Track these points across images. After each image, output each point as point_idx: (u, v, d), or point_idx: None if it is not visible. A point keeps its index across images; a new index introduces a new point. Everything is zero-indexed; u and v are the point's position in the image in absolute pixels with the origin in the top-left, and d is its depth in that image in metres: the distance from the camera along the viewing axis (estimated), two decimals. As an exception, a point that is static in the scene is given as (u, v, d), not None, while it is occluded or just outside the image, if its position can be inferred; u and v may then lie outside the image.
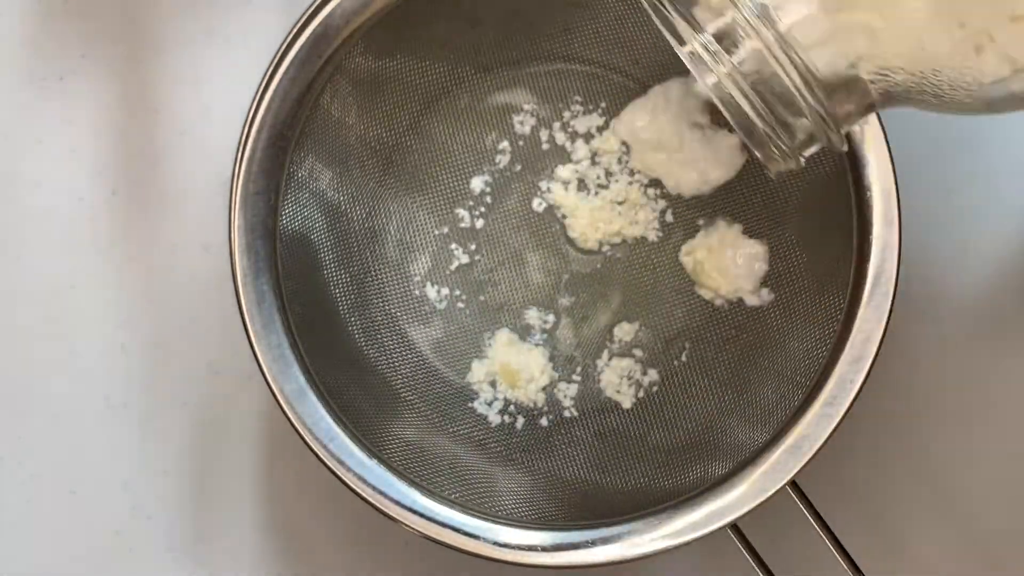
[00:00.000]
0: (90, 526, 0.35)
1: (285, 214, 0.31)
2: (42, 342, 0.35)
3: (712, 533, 0.29)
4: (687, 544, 0.29)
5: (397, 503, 0.29)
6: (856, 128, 0.28)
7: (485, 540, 0.29)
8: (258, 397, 0.35)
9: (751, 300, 0.32)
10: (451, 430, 0.33)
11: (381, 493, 0.29)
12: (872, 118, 0.29)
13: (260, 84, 0.29)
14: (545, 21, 0.33)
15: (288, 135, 0.30)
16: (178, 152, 0.35)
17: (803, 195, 0.32)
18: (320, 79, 0.30)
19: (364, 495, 0.29)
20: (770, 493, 0.29)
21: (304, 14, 0.30)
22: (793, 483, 0.29)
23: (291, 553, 0.35)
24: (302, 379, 0.29)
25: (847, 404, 0.29)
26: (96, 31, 0.35)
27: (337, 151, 0.32)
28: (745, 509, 0.29)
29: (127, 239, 0.35)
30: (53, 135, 0.35)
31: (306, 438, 0.29)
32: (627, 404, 0.33)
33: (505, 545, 0.29)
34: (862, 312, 0.28)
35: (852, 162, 0.30)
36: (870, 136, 0.29)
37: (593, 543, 0.29)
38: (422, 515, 0.29)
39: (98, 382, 0.35)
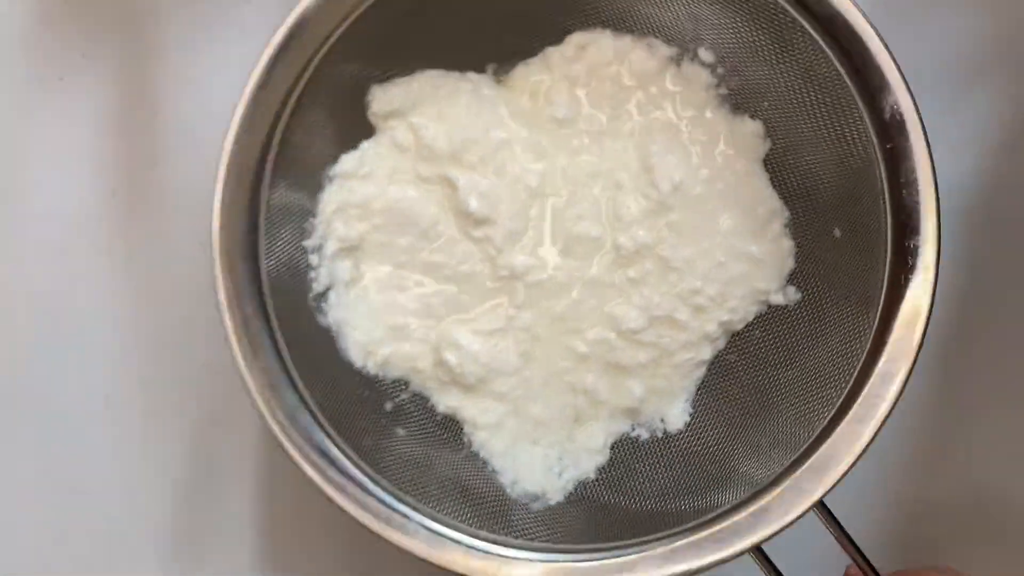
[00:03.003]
0: (90, 526, 0.35)
1: (268, 234, 0.29)
2: (42, 342, 0.35)
3: (735, 555, 0.27)
4: (707, 568, 0.27)
5: (402, 530, 0.27)
6: (896, 115, 0.26)
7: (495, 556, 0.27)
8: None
9: (776, 298, 0.30)
10: (455, 445, 0.32)
11: (385, 521, 0.27)
12: (911, 111, 0.26)
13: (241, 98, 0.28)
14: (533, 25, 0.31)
15: (266, 156, 0.28)
16: (177, 152, 0.35)
17: (836, 191, 0.29)
18: (297, 89, 0.29)
19: (366, 524, 0.27)
20: (795, 515, 0.27)
21: (286, 21, 0.28)
22: (820, 502, 0.27)
23: (288, 553, 0.34)
24: (295, 400, 0.28)
25: (877, 422, 0.27)
26: (96, 31, 0.34)
27: (315, 172, 0.31)
28: (770, 531, 0.27)
29: (126, 239, 0.34)
30: (53, 135, 0.35)
31: (302, 466, 0.28)
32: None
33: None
34: (898, 327, 0.26)
35: (888, 154, 0.27)
36: (910, 127, 0.27)
37: (612, 567, 0.27)
38: (429, 533, 0.27)
39: (98, 382, 0.35)
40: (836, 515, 0.27)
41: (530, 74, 0.31)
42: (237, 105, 0.28)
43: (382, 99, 0.31)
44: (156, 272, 0.35)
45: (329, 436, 0.28)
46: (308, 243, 0.30)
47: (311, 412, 0.28)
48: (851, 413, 0.27)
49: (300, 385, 0.28)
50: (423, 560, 0.27)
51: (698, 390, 0.31)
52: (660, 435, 0.31)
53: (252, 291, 0.28)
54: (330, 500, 0.27)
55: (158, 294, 0.35)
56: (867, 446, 0.27)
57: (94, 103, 0.34)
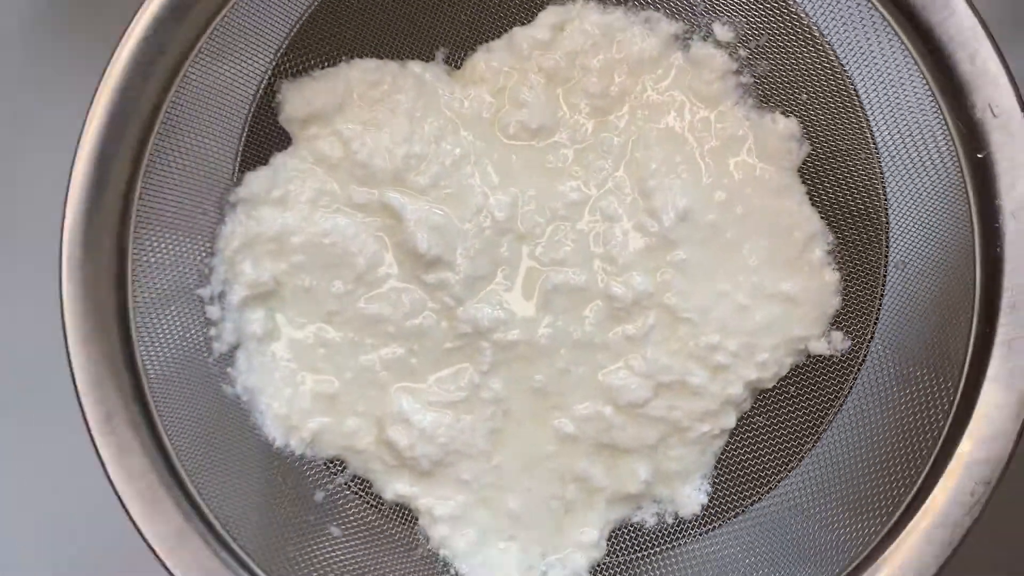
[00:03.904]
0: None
1: (142, 284, 0.24)
2: None
3: None
4: None
5: None
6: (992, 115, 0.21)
7: None
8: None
9: (817, 346, 0.26)
10: (408, 543, 0.26)
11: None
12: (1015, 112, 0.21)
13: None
14: None
15: (134, 178, 0.23)
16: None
17: (901, 208, 0.25)
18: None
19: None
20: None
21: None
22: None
23: None
24: (178, 518, 0.22)
25: (963, 532, 0.21)
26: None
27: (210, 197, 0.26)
28: None
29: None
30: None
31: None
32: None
33: None
34: (990, 387, 0.21)
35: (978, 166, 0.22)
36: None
37: None
38: None
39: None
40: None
41: (492, 62, 0.26)
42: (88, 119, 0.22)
43: (296, 99, 0.26)
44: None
45: (235, 556, 0.23)
46: (205, 291, 0.26)
47: (207, 524, 0.23)
48: (928, 521, 0.21)
49: (191, 487, 0.23)
50: None
51: (718, 463, 0.27)
52: (670, 521, 0.27)
53: (118, 368, 0.23)
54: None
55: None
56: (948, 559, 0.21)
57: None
